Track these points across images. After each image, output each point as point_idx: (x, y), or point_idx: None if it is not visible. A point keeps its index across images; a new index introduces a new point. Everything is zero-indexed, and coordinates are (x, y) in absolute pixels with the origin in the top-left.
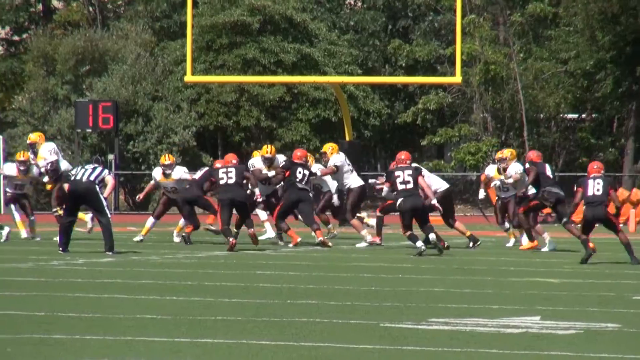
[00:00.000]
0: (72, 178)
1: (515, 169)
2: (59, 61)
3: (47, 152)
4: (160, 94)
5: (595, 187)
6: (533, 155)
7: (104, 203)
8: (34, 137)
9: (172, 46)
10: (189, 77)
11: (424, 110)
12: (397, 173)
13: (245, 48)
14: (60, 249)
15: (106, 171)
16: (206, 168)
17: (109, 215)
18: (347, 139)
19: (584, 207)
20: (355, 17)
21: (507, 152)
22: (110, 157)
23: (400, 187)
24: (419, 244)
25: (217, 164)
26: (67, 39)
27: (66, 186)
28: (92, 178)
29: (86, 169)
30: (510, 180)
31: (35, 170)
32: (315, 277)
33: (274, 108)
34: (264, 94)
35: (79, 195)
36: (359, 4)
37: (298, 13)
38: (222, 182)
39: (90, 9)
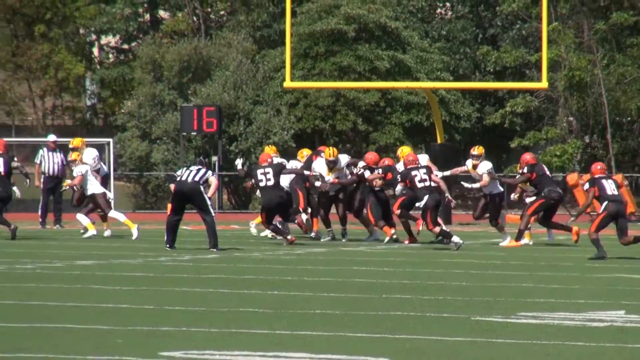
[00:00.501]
0: (178, 179)
1: (485, 167)
2: (165, 68)
3: (92, 159)
4: (260, 98)
5: (610, 186)
6: (529, 157)
7: (209, 202)
8: (77, 142)
9: (272, 54)
10: (288, 83)
11: (511, 113)
12: (413, 172)
13: (341, 55)
14: (168, 245)
15: (210, 172)
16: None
17: (213, 214)
18: (439, 141)
19: (608, 204)
20: (446, 27)
21: (480, 150)
22: (214, 158)
23: (420, 185)
24: (455, 238)
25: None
26: (173, 47)
27: (172, 187)
28: (196, 179)
29: (191, 170)
30: (477, 178)
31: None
32: (409, 273)
33: (368, 112)
34: (360, 98)
35: (185, 195)
36: (449, 13)
37: (391, 22)
38: (261, 184)
39: (195, 19)
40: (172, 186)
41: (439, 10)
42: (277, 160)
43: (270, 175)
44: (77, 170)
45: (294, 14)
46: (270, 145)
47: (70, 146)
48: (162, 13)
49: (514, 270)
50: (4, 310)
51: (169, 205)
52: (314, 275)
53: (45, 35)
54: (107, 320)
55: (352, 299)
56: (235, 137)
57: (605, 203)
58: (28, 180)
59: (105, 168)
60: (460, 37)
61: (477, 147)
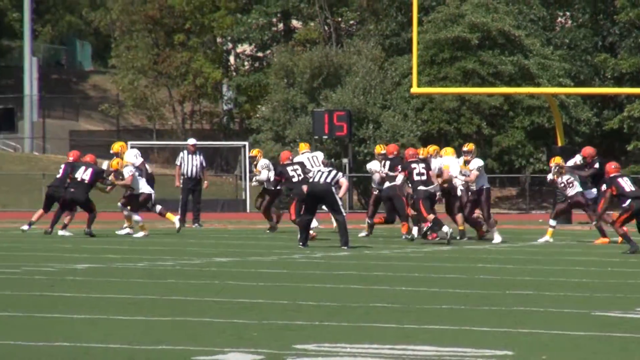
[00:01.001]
0: (310, 180)
1: (477, 164)
2: (297, 74)
3: (133, 157)
4: (388, 103)
5: (627, 183)
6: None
7: (340, 202)
8: (117, 147)
9: (400, 61)
10: (415, 89)
11: (629, 118)
12: (413, 165)
13: (466, 61)
14: (300, 243)
15: (340, 173)
16: None
17: (344, 214)
18: (559, 144)
19: (631, 202)
20: (569, 35)
21: (471, 146)
22: (345, 160)
23: (417, 178)
24: (445, 228)
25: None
26: (305, 54)
27: (304, 187)
28: (328, 180)
29: (322, 172)
30: (469, 174)
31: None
32: (531, 270)
33: (492, 116)
34: (484, 102)
35: (317, 196)
36: (569, 22)
37: (514, 29)
38: (294, 180)
39: (326, 28)
40: (304, 187)
41: (559, 20)
42: (305, 156)
43: (300, 171)
44: (128, 171)
45: (420, 22)
46: (305, 143)
47: (111, 151)
48: (294, 22)
49: (633, 267)
50: (146, 304)
51: (291, 207)
52: (440, 272)
53: (185, 44)
54: (243, 314)
55: (477, 295)
56: (364, 140)
57: (628, 201)
58: (108, 188)
59: (149, 169)
60: (582, 45)
61: (468, 143)
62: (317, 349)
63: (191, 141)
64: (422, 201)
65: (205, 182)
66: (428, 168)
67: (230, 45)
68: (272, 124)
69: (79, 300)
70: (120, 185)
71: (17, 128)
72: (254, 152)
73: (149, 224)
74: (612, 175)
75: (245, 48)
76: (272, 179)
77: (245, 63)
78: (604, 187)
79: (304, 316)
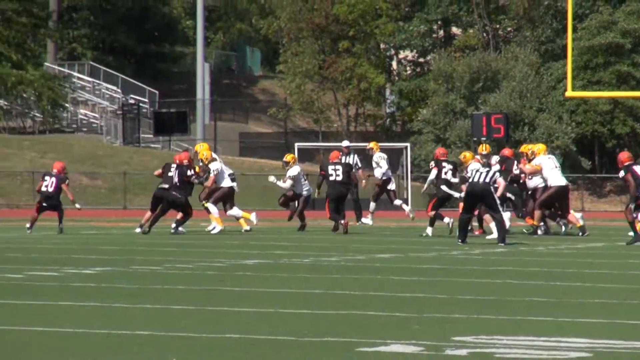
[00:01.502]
0: (470, 180)
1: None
2: (457, 79)
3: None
4: (544, 106)
5: None
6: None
7: (498, 201)
8: (199, 148)
9: (555, 66)
10: (569, 93)
11: None
12: (443, 164)
13: (620, 65)
14: (460, 241)
15: (497, 173)
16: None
17: (502, 212)
18: None
19: None
20: None
21: (487, 149)
22: None
23: (443, 177)
24: (446, 219)
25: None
26: (464, 60)
27: (462, 187)
28: (487, 180)
29: (481, 172)
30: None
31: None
32: None
33: None
34: (639, 106)
35: (477, 195)
36: None
37: None
38: (331, 178)
39: (485, 34)
40: (462, 187)
41: None
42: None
43: (340, 172)
44: (214, 168)
45: (574, 29)
46: (374, 142)
47: (195, 150)
48: (454, 29)
49: None
50: (311, 298)
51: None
52: (593, 267)
53: (349, 50)
54: (404, 308)
55: (629, 290)
56: (520, 141)
57: None
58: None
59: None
60: None
61: (483, 145)
62: (474, 341)
63: (345, 143)
64: (437, 200)
65: (363, 181)
66: (455, 170)
67: (392, 52)
68: (433, 126)
69: (248, 294)
70: (206, 185)
71: (189, 130)
72: (288, 157)
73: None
74: (626, 163)
75: (407, 54)
76: (288, 185)
77: (407, 68)
78: (621, 173)
79: (462, 309)
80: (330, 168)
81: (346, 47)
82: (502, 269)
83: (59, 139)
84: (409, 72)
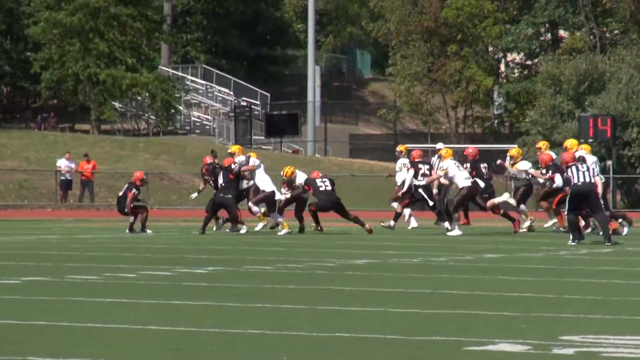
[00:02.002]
0: (574, 181)
1: (526, 165)
2: (564, 82)
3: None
4: None
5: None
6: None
7: (601, 202)
8: (234, 149)
9: None
10: None
11: None
12: (419, 165)
13: None
14: (572, 241)
15: (597, 171)
16: None
17: (605, 212)
18: None
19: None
20: None
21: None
22: (609, 162)
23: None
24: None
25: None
26: (571, 62)
27: (566, 189)
28: (591, 179)
29: (583, 171)
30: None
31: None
32: None
33: None
34: None
35: (582, 195)
36: None
37: None
38: (321, 189)
39: (592, 37)
40: (566, 188)
41: None
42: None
43: (328, 184)
44: (253, 161)
45: None
46: (403, 146)
47: (229, 151)
48: (561, 32)
49: None
50: (420, 297)
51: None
52: None
53: (457, 53)
54: (512, 307)
55: None
56: (628, 143)
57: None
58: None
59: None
60: None
61: (513, 149)
62: (581, 340)
63: (439, 145)
64: (463, 199)
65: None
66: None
67: (500, 54)
68: (540, 127)
69: (357, 293)
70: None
71: (300, 132)
72: (234, 148)
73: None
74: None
75: (514, 57)
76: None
77: (515, 71)
78: None
79: (569, 309)
80: (319, 181)
81: (454, 50)
82: (609, 269)
83: (172, 140)
84: (516, 74)
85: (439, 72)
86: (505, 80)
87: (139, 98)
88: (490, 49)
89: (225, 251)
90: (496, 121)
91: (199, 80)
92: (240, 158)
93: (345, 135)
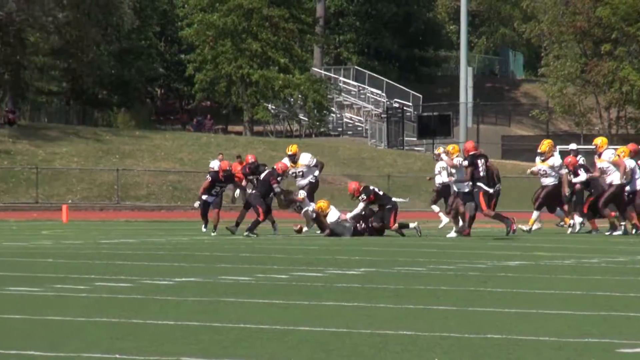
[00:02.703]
0: None
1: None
2: None
3: (308, 160)
4: None
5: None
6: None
7: None
8: (293, 148)
9: None
10: None
11: None
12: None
13: None
14: None
15: None
16: None
17: None
18: None
19: None
20: None
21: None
22: None
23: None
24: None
25: None
26: None
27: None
28: None
29: None
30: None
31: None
32: None
33: None
34: None
35: None
36: None
37: None
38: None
39: None
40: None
41: None
42: None
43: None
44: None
45: None
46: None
47: (288, 152)
48: None
49: None
50: (573, 299)
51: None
52: None
53: (611, 53)
54: None
55: None
56: None
57: None
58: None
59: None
60: None
61: (542, 143)
62: None
63: (572, 146)
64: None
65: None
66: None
67: None
68: None
69: (509, 295)
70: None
71: (452, 133)
72: (293, 148)
73: None
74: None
75: None
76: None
77: None
78: None
79: None
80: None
81: (608, 50)
82: None
83: (324, 142)
84: None
85: (592, 73)
86: None
87: (292, 99)
88: None
89: (377, 252)
90: None
91: (351, 82)
92: (306, 159)
93: (498, 136)
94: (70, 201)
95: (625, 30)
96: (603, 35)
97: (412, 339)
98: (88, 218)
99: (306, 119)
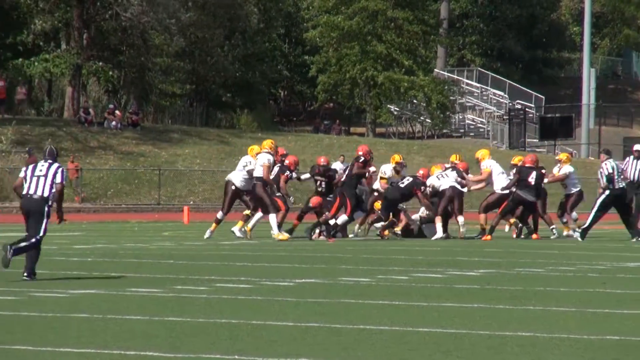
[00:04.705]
0: None
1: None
2: None
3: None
4: None
5: None
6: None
7: None
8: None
9: None
10: None
11: None
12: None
13: None
14: None
15: None
16: None
17: None
18: None
19: None
20: None
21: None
22: None
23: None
24: None
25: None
26: None
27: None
28: None
29: None
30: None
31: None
32: None
33: None
34: None
35: None
36: None
37: None
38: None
39: None
40: None
41: None
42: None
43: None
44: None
45: None
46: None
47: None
48: None
49: None
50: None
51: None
52: None
53: None
54: None
55: None
56: None
57: None
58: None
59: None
60: None
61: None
62: None
63: (637, 147)
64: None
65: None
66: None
67: None
68: None
69: (629, 296)
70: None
71: (574, 135)
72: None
73: None
74: None
75: None
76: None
77: None
78: None
79: None
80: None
81: None
82: None
83: (446, 143)
84: None
85: None
86: None
87: (415, 101)
88: None
89: (497, 254)
90: None
91: (474, 83)
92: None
93: (620, 138)
94: (192, 202)
95: None
96: None
97: (531, 340)
98: (209, 219)
99: (429, 120)
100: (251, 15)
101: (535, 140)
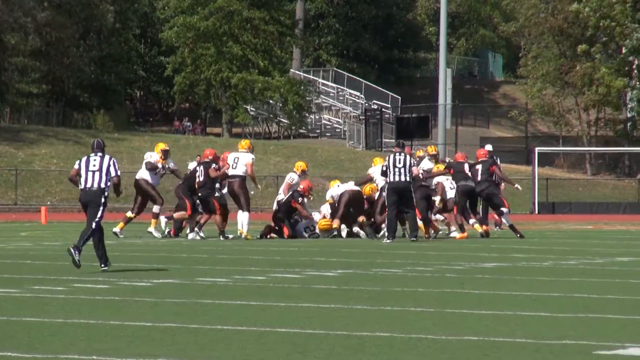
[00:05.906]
0: None
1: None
2: None
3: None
4: None
5: None
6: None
7: None
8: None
9: None
10: None
11: None
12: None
13: None
14: None
15: None
16: None
17: None
18: None
19: None
20: None
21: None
22: None
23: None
24: None
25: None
26: None
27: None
28: None
29: None
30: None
31: None
32: None
33: None
34: None
35: None
36: None
37: None
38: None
39: None
40: None
41: None
42: None
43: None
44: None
45: None
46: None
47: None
48: None
49: None
50: (550, 301)
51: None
52: None
53: (588, 53)
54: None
55: None
56: None
57: None
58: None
59: None
60: None
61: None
62: None
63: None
64: None
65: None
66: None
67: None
68: None
69: (486, 296)
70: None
71: (431, 135)
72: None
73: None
74: None
75: None
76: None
77: None
78: None
79: None
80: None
81: (584, 49)
82: None
83: (303, 143)
84: None
85: (570, 74)
86: (638, 83)
87: (271, 101)
88: (623, 50)
89: (354, 254)
90: (629, 124)
91: (330, 84)
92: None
93: (476, 138)
94: (49, 203)
95: (600, 24)
96: (581, 35)
97: (389, 340)
98: (67, 220)
99: (285, 121)
100: (107, 15)
101: (392, 140)
